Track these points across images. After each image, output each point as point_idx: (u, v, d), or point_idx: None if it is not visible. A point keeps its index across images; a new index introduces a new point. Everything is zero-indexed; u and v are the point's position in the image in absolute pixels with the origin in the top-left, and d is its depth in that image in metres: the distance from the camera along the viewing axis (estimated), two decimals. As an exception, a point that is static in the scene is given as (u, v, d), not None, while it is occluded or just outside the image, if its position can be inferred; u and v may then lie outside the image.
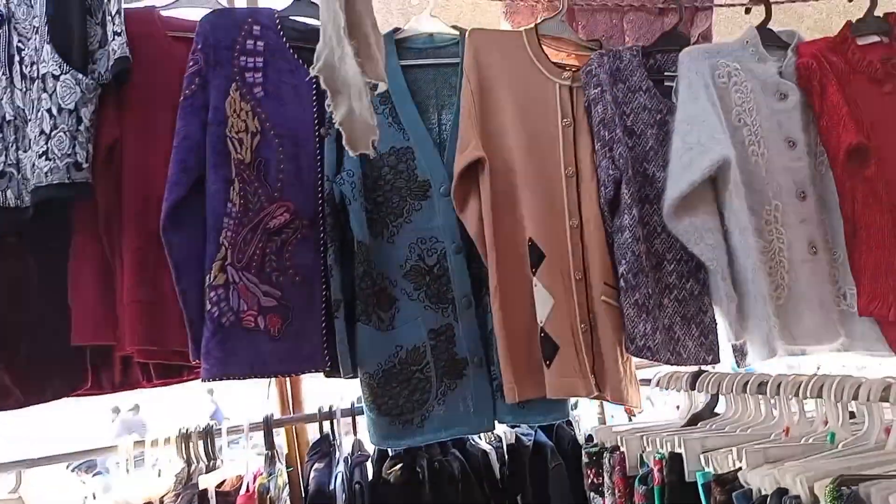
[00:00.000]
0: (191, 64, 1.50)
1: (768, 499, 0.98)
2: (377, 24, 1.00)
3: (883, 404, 1.07)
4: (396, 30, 1.70)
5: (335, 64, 0.91)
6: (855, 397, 1.07)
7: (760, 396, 1.29)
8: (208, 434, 1.57)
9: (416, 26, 1.71)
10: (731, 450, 1.10)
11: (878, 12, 1.76)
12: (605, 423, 1.85)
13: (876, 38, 1.76)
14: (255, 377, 1.48)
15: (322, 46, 0.91)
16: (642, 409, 1.63)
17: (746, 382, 1.31)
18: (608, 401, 1.58)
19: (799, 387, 1.18)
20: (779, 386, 1.23)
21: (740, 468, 1.07)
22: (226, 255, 1.46)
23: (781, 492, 0.97)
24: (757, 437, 1.21)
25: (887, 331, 1.63)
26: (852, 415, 1.22)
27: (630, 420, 1.82)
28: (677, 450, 1.20)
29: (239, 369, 1.45)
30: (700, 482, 1.14)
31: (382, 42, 1.06)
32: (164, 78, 1.55)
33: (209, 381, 1.43)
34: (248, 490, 1.47)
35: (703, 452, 1.17)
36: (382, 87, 1.01)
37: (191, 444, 1.55)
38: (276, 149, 1.54)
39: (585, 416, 1.90)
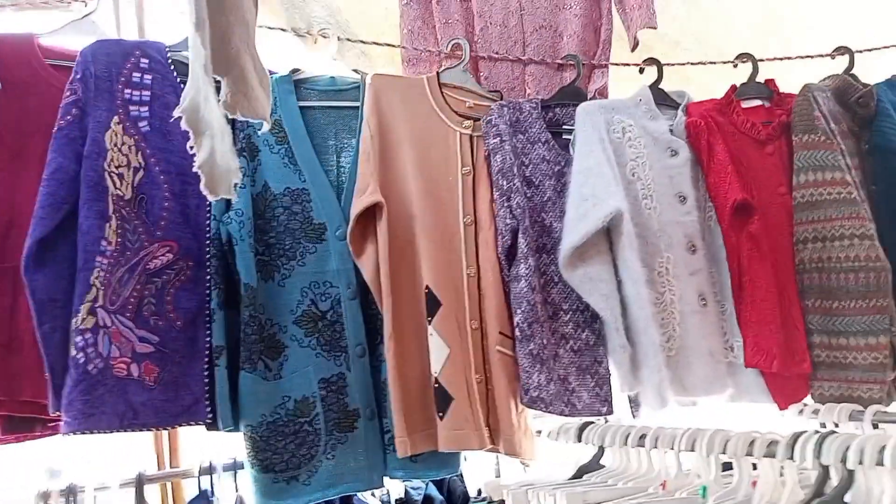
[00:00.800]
0: (68, 94, 1.41)
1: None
2: (261, 63, 0.96)
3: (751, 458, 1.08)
4: (295, 70, 1.67)
5: (200, 104, 0.86)
6: (724, 451, 1.09)
7: (642, 449, 1.28)
8: (71, 493, 1.43)
9: (318, 69, 1.68)
10: (609, 505, 1.09)
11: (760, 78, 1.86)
12: (499, 476, 1.81)
13: (758, 102, 1.86)
14: (126, 431, 1.37)
15: (190, 86, 0.86)
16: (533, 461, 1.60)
17: (628, 435, 1.31)
18: (501, 453, 1.55)
19: (675, 440, 1.19)
20: (657, 439, 1.23)
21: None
22: (97, 296, 1.36)
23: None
24: (636, 491, 1.21)
25: (771, 382, 1.69)
26: (729, 465, 1.23)
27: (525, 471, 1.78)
28: (560, 505, 1.18)
29: (106, 422, 1.34)
30: (581, 539, 1.12)
31: (268, 80, 1.02)
32: (39, 107, 1.46)
33: (71, 434, 1.31)
34: (111, 555, 1.35)
35: (583, 507, 1.16)
36: (266, 126, 0.97)
37: (49, 505, 1.41)
38: (161, 186, 1.46)
39: (481, 468, 1.86)
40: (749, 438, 1.08)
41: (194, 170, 0.87)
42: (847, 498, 0.96)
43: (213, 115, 0.87)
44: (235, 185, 0.92)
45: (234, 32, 0.91)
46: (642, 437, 1.30)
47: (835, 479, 0.98)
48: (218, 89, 0.91)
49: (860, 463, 0.91)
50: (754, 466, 1.12)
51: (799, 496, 1.02)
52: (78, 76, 1.42)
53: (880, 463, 0.89)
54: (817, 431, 1.00)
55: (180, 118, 0.90)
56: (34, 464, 1.61)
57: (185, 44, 1.54)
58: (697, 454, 1.17)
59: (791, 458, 1.01)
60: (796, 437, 1.02)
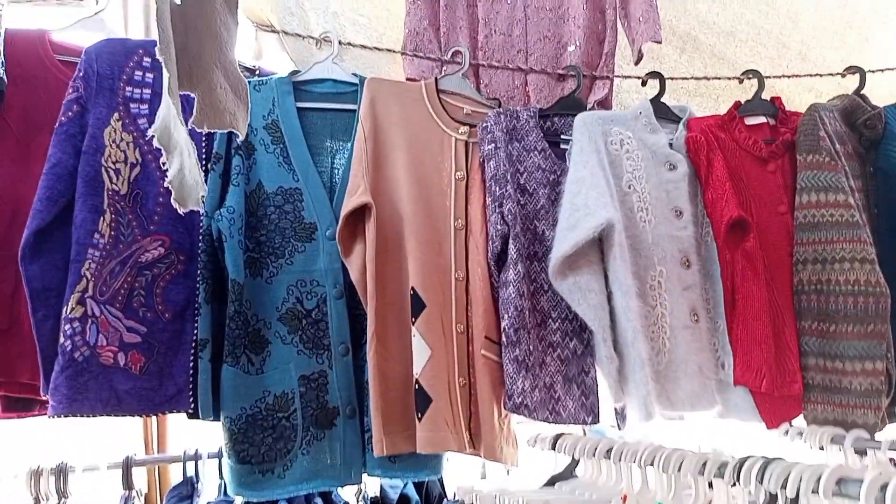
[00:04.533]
0: (70, 91, 1.48)
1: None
2: (237, 74, 1.00)
3: (715, 479, 1.08)
4: (295, 72, 1.70)
5: (170, 123, 0.90)
6: (679, 469, 1.09)
7: (613, 462, 1.29)
8: (61, 472, 1.50)
9: (317, 71, 1.72)
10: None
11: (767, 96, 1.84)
12: (484, 478, 1.83)
13: (762, 119, 1.83)
14: (109, 416, 1.43)
15: (164, 106, 0.90)
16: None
17: (597, 447, 1.32)
18: (482, 457, 1.56)
19: (636, 455, 1.19)
20: (621, 453, 1.24)
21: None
22: (87, 286, 1.42)
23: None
24: (597, 503, 1.22)
25: (759, 401, 1.67)
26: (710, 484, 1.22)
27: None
28: (521, 513, 1.20)
29: (90, 407, 1.40)
30: (535, 548, 1.13)
31: (246, 89, 1.05)
32: (47, 103, 1.53)
33: (55, 417, 1.37)
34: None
35: (544, 516, 1.17)
36: (241, 136, 1.00)
37: (41, 482, 1.48)
38: (156, 181, 1.51)
39: (468, 470, 1.88)
40: (703, 459, 1.08)
41: (165, 185, 0.90)
42: (791, 525, 0.95)
43: (181, 133, 0.91)
44: (202, 196, 0.96)
45: (205, 48, 0.95)
46: (609, 450, 1.30)
47: (782, 505, 0.97)
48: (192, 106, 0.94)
49: (798, 490, 0.91)
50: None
51: (747, 519, 1.02)
52: (81, 74, 1.48)
53: (816, 491, 0.89)
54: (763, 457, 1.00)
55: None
56: (29, 442, 1.68)
57: (188, 44, 1.61)
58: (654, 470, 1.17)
59: (737, 480, 1.01)
60: (743, 460, 1.02)
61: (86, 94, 1.47)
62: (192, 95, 0.96)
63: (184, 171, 0.91)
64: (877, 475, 0.82)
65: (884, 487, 0.81)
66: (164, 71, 0.87)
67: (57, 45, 1.60)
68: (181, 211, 0.93)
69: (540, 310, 1.63)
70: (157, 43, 0.87)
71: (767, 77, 1.85)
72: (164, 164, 0.92)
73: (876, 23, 2.07)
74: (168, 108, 0.90)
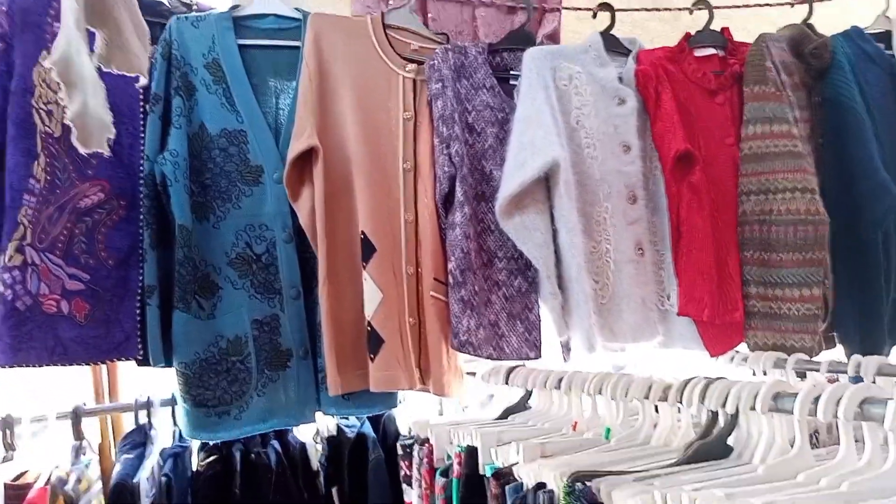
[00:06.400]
0: (-8, 28, 1.40)
1: (529, 493, 1.02)
2: (140, 17, 0.95)
3: (660, 403, 1.11)
4: (235, 7, 1.63)
5: (72, 57, 0.85)
6: (626, 395, 1.12)
7: (564, 392, 1.32)
8: (7, 424, 1.47)
9: (258, 5, 1.65)
10: (513, 444, 1.13)
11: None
12: (441, 415, 1.86)
13: (712, 51, 1.83)
14: (56, 365, 1.40)
15: (62, 37, 0.85)
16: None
17: (547, 378, 1.35)
18: (431, 393, 1.59)
19: (585, 384, 1.23)
20: (571, 383, 1.27)
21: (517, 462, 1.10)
22: (24, 234, 1.37)
23: (540, 486, 1.01)
24: (549, 432, 1.26)
25: (703, 330, 1.72)
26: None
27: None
28: (475, 443, 1.22)
29: (36, 356, 1.37)
30: (487, 475, 1.16)
31: (146, 33, 1.00)
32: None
33: (1, 368, 1.34)
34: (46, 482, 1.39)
35: (497, 446, 1.20)
36: (143, 80, 0.96)
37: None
38: (92, 124, 1.45)
39: (425, 407, 1.90)
40: (648, 383, 1.11)
41: (66, 122, 0.87)
42: (730, 440, 1.00)
43: (86, 69, 0.87)
44: (108, 139, 0.92)
45: None
46: (560, 380, 1.34)
47: (723, 423, 1.02)
48: (92, 42, 0.90)
49: (737, 408, 0.95)
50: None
51: (690, 437, 1.06)
52: (3, 8, 1.40)
53: (753, 408, 0.93)
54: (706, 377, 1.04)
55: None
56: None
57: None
58: (603, 398, 1.21)
59: (681, 402, 1.05)
60: (686, 382, 1.05)
61: (10, 31, 1.39)
62: (93, 31, 0.91)
63: (87, 108, 0.87)
64: (810, 389, 0.86)
65: (816, 400, 0.85)
66: (70, 2, 0.82)
67: (-24, -20, 1.50)
68: (83, 151, 0.90)
69: (486, 250, 1.64)
70: None
71: (717, 7, 1.84)
72: (61, 99, 0.87)
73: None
74: (69, 43, 0.85)
